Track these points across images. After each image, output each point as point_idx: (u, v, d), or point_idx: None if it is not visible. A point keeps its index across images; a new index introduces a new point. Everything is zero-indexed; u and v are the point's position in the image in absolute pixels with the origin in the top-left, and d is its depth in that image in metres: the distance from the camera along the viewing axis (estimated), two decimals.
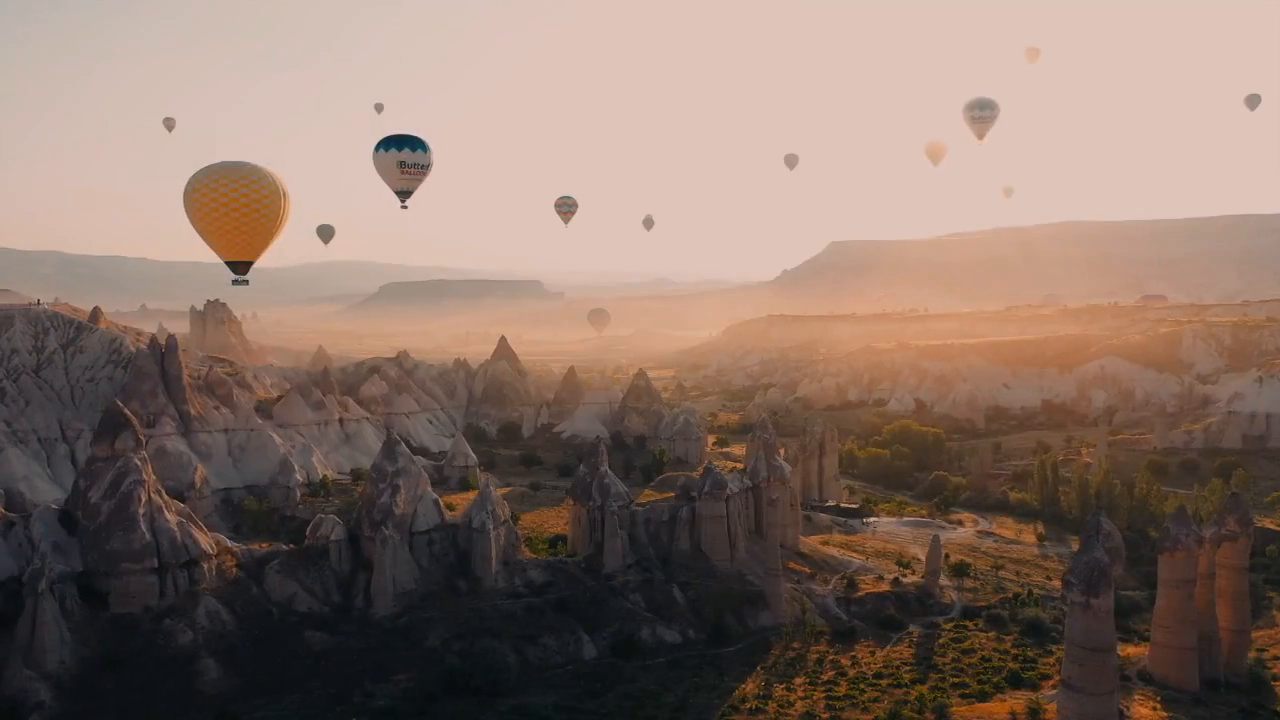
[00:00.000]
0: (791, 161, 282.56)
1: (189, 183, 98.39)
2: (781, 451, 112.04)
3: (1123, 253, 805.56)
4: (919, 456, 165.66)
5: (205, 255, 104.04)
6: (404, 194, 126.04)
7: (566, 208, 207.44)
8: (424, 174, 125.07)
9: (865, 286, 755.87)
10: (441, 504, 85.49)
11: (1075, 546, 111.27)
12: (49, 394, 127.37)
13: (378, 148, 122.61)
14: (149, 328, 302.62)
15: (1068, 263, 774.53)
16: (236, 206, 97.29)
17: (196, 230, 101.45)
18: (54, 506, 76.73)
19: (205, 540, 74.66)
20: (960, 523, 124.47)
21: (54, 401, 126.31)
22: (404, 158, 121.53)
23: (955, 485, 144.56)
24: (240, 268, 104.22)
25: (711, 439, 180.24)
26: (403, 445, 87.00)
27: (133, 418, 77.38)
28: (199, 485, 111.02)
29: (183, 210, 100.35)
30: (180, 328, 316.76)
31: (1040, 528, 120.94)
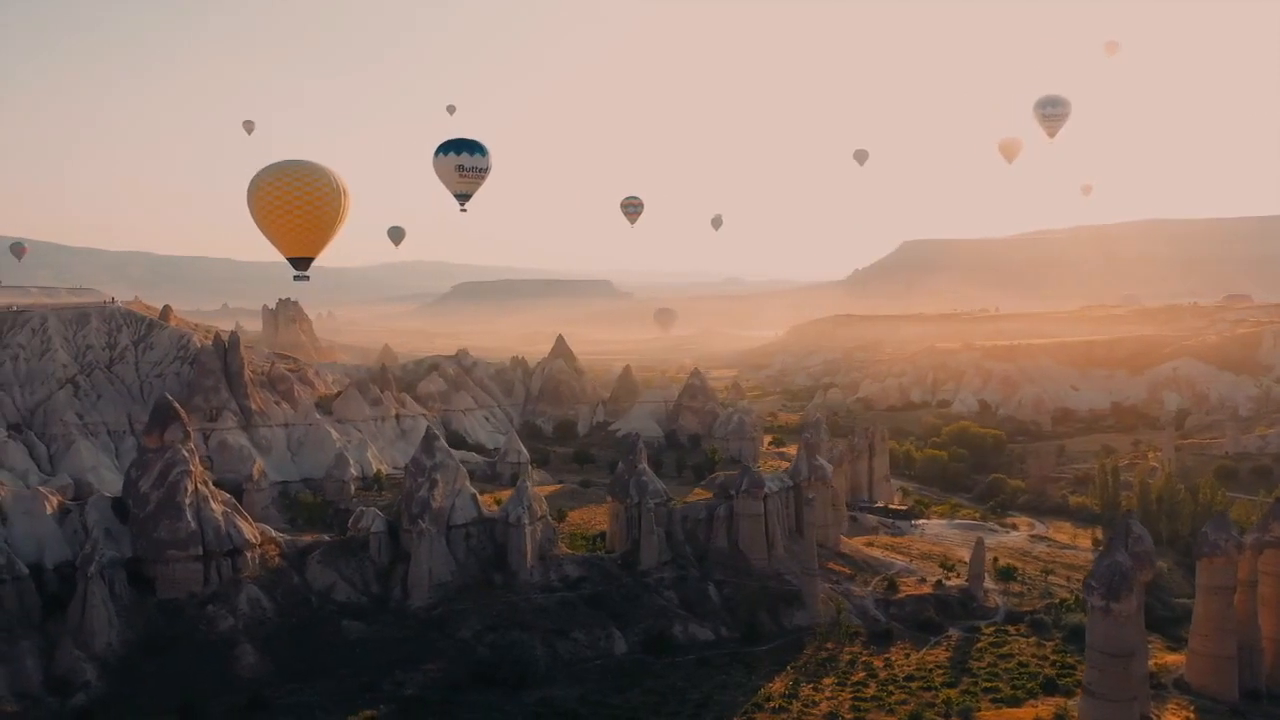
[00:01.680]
0: (861, 157, 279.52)
1: (252, 181, 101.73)
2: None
3: (1210, 252, 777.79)
4: (978, 458, 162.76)
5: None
6: (463, 197, 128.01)
7: (633, 209, 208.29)
8: (482, 177, 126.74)
9: (938, 286, 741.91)
10: (479, 498, 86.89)
11: None
12: (120, 389, 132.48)
13: (437, 152, 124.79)
14: (228, 326, 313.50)
15: (1151, 262, 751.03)
16: (298, 204, 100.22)
17: (259, 227, 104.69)
18: (107, 495, 79.92)
19: (249, 530, 77.14)
20: (1014, 526, 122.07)
21: (124, 396, 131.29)
22: (462, 161, 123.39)
23: (1013, 488, 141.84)
24: (301, 264, 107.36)
25: (768, 439, 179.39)
26: (441, 440, 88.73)
27: (181, 410, 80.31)
28: (257, 478, 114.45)
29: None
30: (258, 326, 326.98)
31: (1098, 533, 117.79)
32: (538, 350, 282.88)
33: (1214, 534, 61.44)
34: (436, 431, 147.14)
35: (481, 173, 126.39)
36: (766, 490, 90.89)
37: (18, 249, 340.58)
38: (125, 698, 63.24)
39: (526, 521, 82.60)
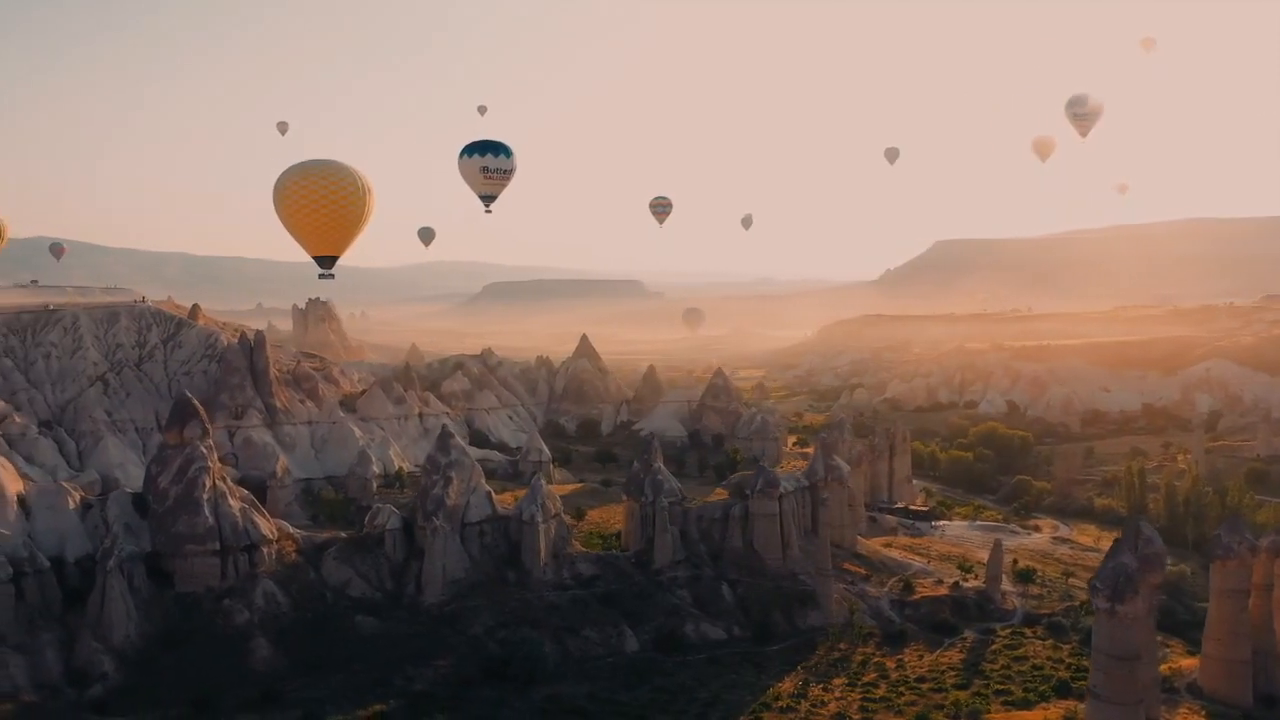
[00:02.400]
0: (892, 155, 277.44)
1: (277, 181, 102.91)
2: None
3: (1250, 251, 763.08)
4: (1004, 460, 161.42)
5: None
6: (488, 198, 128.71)
7: (661, 209, 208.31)
8: (507, 179, 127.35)
9: (971, 286, 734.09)
10: (494, 496, 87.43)
11: None
12: (148, 386, 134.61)
13: (462, 153, 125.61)
14: (261, 325, 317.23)
15: (1189, 262, 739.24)
16: (323, 203, 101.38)
17: (285, 226, 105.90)
18: (128, 490, 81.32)
19: (266, 526, 78.16)
20: (1036, 528, 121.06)
21: (152, 394, 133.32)
22: (486, 163, 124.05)
23: (1038, 490, 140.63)
24: (326, 262, 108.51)
25: (793, 439, 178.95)
26: (456, 438, 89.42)
27: (200, 408, 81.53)
28: (280, 475, 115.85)
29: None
30: (289, 326, 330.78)
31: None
32: (568, 350, 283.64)
33: (1228, 536, 60.63)
34: (458, 430, 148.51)
35: (506, 174, 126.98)
36: (782, 490, 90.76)
37: (56, 249, 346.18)
38: (141, 690, 64.30)
39: (540, 519, 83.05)
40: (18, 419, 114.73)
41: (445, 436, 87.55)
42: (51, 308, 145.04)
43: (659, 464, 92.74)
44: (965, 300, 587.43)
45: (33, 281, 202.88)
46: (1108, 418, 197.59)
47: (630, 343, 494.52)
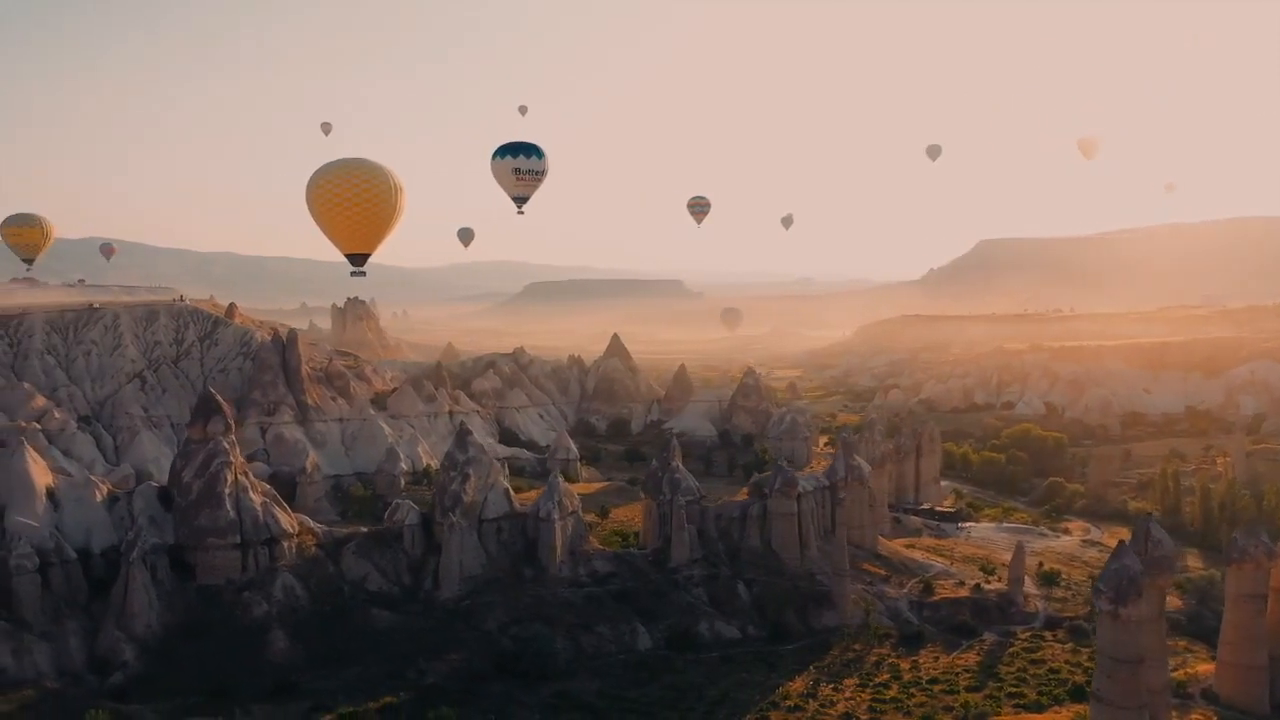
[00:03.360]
0: (934, 153, 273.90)
1: (310, 180, 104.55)
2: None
3: None
4: (1037, 462, 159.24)
5: None
6: (520, 200, 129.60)
7: (699, 208, 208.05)
8: (539, 180, 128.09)
9: (1015, 286, 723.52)
10: (512, 493, 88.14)
11: (1187, 560, 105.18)
12: (184, 383, 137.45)
13: (494, 155, 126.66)
14: (303, 324, 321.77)
15: (1237, 261, 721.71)
16: (355, 201, 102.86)
17: (318, 224, 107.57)
18: (154, 484, 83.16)
19: (287, 520, 79.53)
20: (1066, 531, 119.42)
21: (188, 390, 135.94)
22: (519, 164, 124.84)
23: (1071, 492, 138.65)
24: (358, 260, 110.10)
25: (824, 439, 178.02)
26: (475, 435, 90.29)
27: (224, 404, 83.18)
28: (310, 471, 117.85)
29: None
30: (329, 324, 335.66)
31: None
32: (603, 349, 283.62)
33: (1243, 540, 59.47)
34: (488, 428, 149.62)
35: (538, 176, 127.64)
36: (801, 490, 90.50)
37: (106, 249, 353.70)
38: (161, 678, 65.76)
39: (556, 517, 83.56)
40: (57, 414, 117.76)
41: (463, 434, 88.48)
42: (95, 306, 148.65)
43: (677, 462, 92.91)
44: (1009, 300, 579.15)
45: (80, 280, 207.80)
46: (1148, 420, 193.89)
47: (669, 342, 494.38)
